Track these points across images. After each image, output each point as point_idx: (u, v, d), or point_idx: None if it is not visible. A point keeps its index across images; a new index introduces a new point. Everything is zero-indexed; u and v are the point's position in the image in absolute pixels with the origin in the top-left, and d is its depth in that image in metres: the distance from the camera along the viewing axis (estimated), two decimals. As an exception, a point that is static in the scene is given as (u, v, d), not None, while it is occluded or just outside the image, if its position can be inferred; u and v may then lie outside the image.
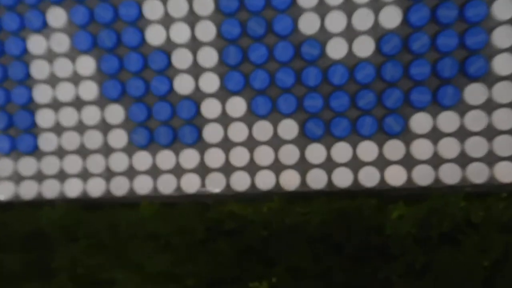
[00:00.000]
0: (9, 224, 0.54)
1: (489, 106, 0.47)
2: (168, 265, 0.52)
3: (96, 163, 0.53)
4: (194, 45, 0.51)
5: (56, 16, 0.53)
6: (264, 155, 0.51)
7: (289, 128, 0.50)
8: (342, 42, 0.48)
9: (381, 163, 0.49)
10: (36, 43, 0.53)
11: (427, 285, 0.48)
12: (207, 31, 0.50)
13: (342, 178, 0.49)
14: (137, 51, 0.52)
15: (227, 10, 0.49)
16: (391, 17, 0.47)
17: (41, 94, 0.53)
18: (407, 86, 0.48)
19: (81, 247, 0.53)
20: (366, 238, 0.48)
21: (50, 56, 0.53)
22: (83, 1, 0.52)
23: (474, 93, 0.47)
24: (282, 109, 0.50)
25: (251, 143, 0.51)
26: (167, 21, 0.51)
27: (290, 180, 0.50)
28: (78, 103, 0.53)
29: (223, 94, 0.51)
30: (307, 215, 0.49)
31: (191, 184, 0.52)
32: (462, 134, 0.48)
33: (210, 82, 0.51)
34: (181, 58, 0.51)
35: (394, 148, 0.49)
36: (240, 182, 0.51)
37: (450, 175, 0.48)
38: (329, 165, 0.50)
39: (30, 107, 0.54)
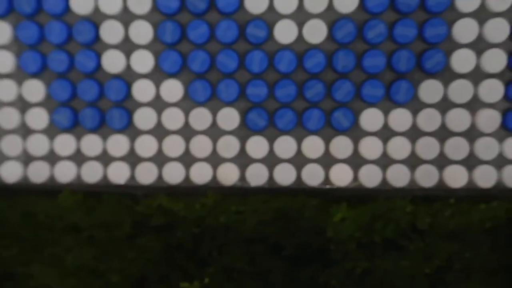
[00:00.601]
0: None
1: (444, 105, 0.43)
2: (91, 259, 0.46)
3: (12, 145, 0.46)
4: (126, 17, 0.44)
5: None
6: (201, 146, 0.45)
7: (229, 117, 0.44)
8: (291, 25, 0.42)
9: (327, 160, 0.44)
10: None
11: (368, 290, 0.44)
12: (141, 2, 0.43)
13: (284, 175, 0.44)
14: (61, 19, 0.44)
15: (164, -19, 0.43)
16: (347, 1, 0.42)
17: None
18: (359, 79, 0.43)
19: (-7, 237, 0.46)
20: (307, 240, 0.43)
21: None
22: (-2, -42, 0.44)
23: (430, 90, 0.43)
24: (222, 96, 0.44)
25: (187, 132, 0.45)
26: (96, -12, 0.44)
27: (228, 175, 0.45)
28: (-9, 76, 0.45)
29: (157, 76, 0.44)
30: (243, 213, 0.44)
31: (119, 173, 0.45)
32: (414, 133, 0.43)
33: (143, 61, 0.44)
34: (111, 32, 0.44)
35: (341, 145, 0.44)
36: (173, 174, 0.45)
37: (399, 177, 0.44)
38: (271, 160, 0.44)
39: None
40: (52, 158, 0.46)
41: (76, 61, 0.44)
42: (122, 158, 0.45)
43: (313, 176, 0.44)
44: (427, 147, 0.43)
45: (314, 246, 0.44)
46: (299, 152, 0.44)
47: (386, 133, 0.43)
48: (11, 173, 0.46)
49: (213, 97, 0.44)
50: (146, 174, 0.45)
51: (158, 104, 0.45)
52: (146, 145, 0.45)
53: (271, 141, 0.44)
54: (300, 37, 0.42)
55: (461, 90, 0.42)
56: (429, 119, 0.43)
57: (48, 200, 0.46)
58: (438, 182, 0.43)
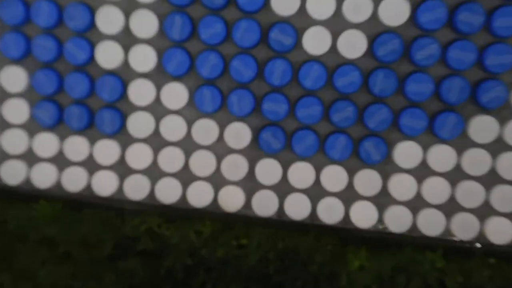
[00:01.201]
0: None
1: (497, 147, 0.35)
2: (67, 277, 0.39)
3: (-15, 138, 0.39)
4: (128, 4, 0.36)
5: None
6: (203, 163, 0.37)
7: (239, 133, 0.36)
8: (324, 34, 0.34)
9: (349, 196, 0.37)
10: None
11: None
12: (148, -12, 0.35)
13: (297, 208, 0.37)
14: (51, -1, 0.36)
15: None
16: (395, 12, 0.34)
17: None
18: (398, 105, 0.35)
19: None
20: (315, 286, 0.36)
21: None
22: None
23: (482, 127, 0.35)
24: (233, 108, 0.36)
25: (188, 145, 0.37)
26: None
27: (231, 200, 0.37)
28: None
29: (159, 77, 0.37)
30: (245, 247, 0.37)
31: (105, 184, 0.38)
32: (456, 175, 0.36)
33: (144, 58, 0.36)
34: (109, 20, 0.36)
35: (367, 180, 0.36)
36: (168, 192, 0.38)
37: (431, 224, 0.36)
38: (283, 189, 0.37)
39: None
40: (30, 158, 0.38)
41: (66, 50, 0.36)
42: (110, 167, 0.38)
43: (330, 212, 0.37)
44: (470, 193, 0.36)
45: (323, 294, 0.37)
46: (317, 182, 0.37)
47: (422, 172, 0.36)
48: (-18, 171, 0.39)
49: (222, 108, 0.37)
50: (136, 189, 0.38)
51: (157, 110, 0.37)
52: (139, 155, 0.38)
53: (286, 166, 0.37)
54: (333, 48, 0.35)
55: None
56: (476, 161, 0.35)
57: (22, 206, 0.39)
58: (478, 235, 0.36)
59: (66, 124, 0.38)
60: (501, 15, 0.33)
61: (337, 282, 0.36)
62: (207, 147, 0.37)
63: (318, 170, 0.37)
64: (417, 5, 0.33)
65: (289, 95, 0.36)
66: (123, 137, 0.38)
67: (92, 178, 0.38)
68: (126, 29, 0.36)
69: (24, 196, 0.39)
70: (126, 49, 0.36)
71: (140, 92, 0.37)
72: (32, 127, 0.38)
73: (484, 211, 0.36)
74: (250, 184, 0.37)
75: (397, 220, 0.36)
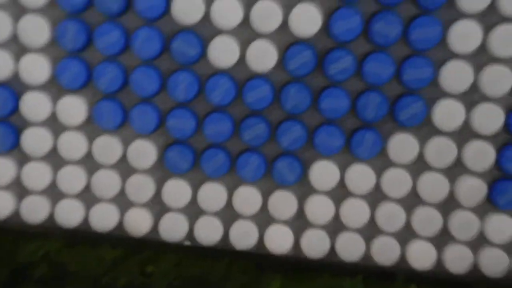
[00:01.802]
0: None
1: (418, 167, 0.32)
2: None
3: None
4: (16, 8, 0.32)
5: None
6: (106, 183, 0.33)
7: (143, 152, 0.33)
8: (231, 44, 0.31)
9: (262, 219, 0.33)
10: None
11: None
12: (38, -8, 0.31)
13: (208, 232, 0.33)
14: None
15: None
16: (307, 21, 0.30)
17: None
18: (312, 122, 0.32)
19: None
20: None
21: None
22: None
23: (402, 146, 0.31)
24: (136, 124, 0.32)
25: (89, 164, 0.33)
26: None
27: (137, 224, 0.34)
28: None
29: (54, 89, 0.33)
30: (151, 276, 0.33)
31: (1, 205, 0.34)
32: (375, 197, 0.33)
33: (36, 68, 0.32)
34: (-4, 26, 0.32)
35: (282, 202, 0.33)
36: (68, 214, 0.34)
37: (350, 248, 0.33)
38: (192, 211, 0.33)
39: None
40: None
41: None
42: (4, 188, 0.34)
43: (244, 236, 0.33)
44: (390, 216, 0.33)
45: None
46: (229, 204, 0.33)
47: (340, 193, 0.33)
48: None
49: (124, 124, 0.33)
50: (34, 211, 0.34)
51: (54, 125, 0.33)
52: (36, 175, 0.34)
53: (195, 187, 0.33)
54: (241, 60, 0.31)
55: (441, 151, 0.32)
56: (396, 182, 0.32)
57: None
58: (399, 260, 0.33)
59: (-47, 140, 0.34)
60: (419, 25, 0.30)
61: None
62: (110, 167, 0.34)
63: (230, 191, 0.33)
64: (330, 14, 0.30)
65: (196, 111, 0.32)
66: (18, 155, 0.34)
67: (-15, 199, 0.34)
68: (15, 36, 0.32)
69: None
70: (17, 57, 0.32)
71: (34, 105, 0.33)
72: None
73: (406, 235, 0.33)
74: (158, 207, 0.34)
75: (315, 245, 0.33)
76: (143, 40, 0.31)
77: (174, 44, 0.31)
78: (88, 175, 0.34)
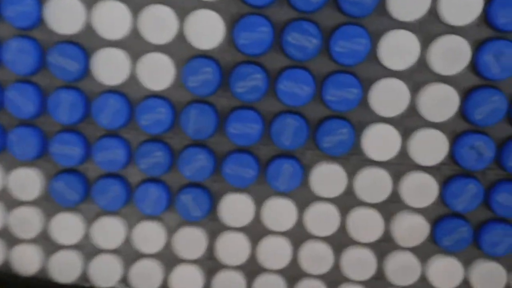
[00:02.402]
0: None
1: (346, 200, 0.27)
2: None
3: None
4: None
5: None
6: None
7: (30, 182, 0.28)
8: (120, 57, 0.25)
9: (168, 257, 0.28)
10: None
11: None
12: None
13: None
14: None
15: None
16: (206, 30, 0.24)
17: None
18: (225, 148, 0.27)
19: None
20: None
21: None
22: None
23: (326, 176, 0.26)
24: (13, 151, 0.27)
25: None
26: None
27: (27, 262, 0.29)
28: None
29: None
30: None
31: None
32: (299, 233, 0.28)
33: None
34: None
35: (189, 239, 0.28)
36: None
37: (270, 292, 0.28)
38: (88, 250, 0.28)
39: None
40: None
41: None
42: None
43: (145, 277, 0.28)
44: (316, 257, 0.27)
45: None
46: (128, 241, 0.28)
47: (256, 230, 0.27)
48: None
49: (4, 150, 0.28)
50: None
51: None
52: None
53: (89, 221, 0.28)
54: (133, 77, 0.25)
55: (374, 183, 0.26)
56: (322, 218, 0.26)
57: None
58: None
59: None
60: (341, 37, 0.24)
61: None
62: (-10, 197, 0.29)
63: (129, 226, 0.28)
64: (235, 22, 0.25)
65: (85, 135, 0.27)
66: None
67: None
68: None
69: None
70: None
71: None
72: None
73: (335, 278, 0.28)
74: (47, 243, 0.29)
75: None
76: (16, 52, 0.26)
77: (51, 57, 0.25)
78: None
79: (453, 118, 0.25)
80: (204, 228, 0.28)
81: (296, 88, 0.25)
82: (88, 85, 0.26)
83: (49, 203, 0.28)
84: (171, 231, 0.28)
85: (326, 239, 0.27)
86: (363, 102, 0.25)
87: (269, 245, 0.28)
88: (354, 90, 0.25)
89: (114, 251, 0.28)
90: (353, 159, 0.26)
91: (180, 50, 0.25)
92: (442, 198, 0.26)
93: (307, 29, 0.24)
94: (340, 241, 0.27)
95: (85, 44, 0.26)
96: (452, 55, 0.24)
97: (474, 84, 0.24)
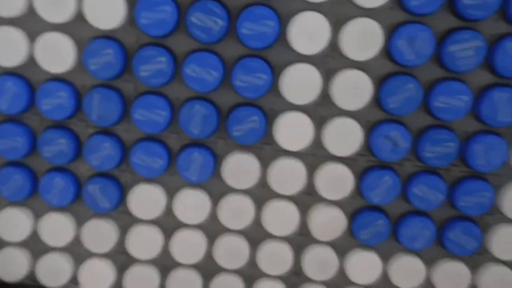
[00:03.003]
0: None
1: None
2: None
3: None
4: None
5: None
6: None
7: None
8: (15, 35, 0.23)
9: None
10: None
11: None
12: None
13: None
14: None
15: None
16: (105, 10, 0.22)
17: None
18: (133, 137, 0.25)
19: None
20: None
21: None
22: None
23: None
24: None
25: None
26: None
27: None
28: None
29: None
30: None
31: None
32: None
33: None
34: None
35: (98, 231, 0.26)
36: None
37: (185, 286, 0.26)
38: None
39: None
40: None
41: None
42: None
43: (52, 272, 0.26)
44: (233, 251, 0.25)
45: None
46: (36, 234, 0.26)
47: (168, 223, 0.26)
48: None
49: None
50: None
51: None
52: None
53: (-6, 213, 0.26)
54: (31, 59, 0.23)
55: (286, 174, 0.24)
56: (236, 210, 0.25)
57: None
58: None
59: None
60: (248, 19, 0.22)
61: None
62: None
63: (35, 218, 0.26)
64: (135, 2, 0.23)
65: (-16, 120, 0.25)
66: None
67: None
68: None
69: None
70: None
71: None
72: None
73: (251, 273, 0.26)
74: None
75: (140, 282, 0.26)
76: None
77: None
78: None
79: (367, 107, 0.23)
80: (114, 221, 0.26)
81: (203, 73, 0.23)
82: (-15, 68, 0.24)
83: None
84: (80, 224, 0.26)
85: (241, 233, 0.26)
86: (275, 88, 0.23)
87: (182, 238, 0.26)
88: (263, 75, 0.23)
89: (21, 244, 0.26)
90: (266, 149, 0.24)
91: (80, 30, 0.23)
92: (358, 190, 0.25)
93: (212, 9, 0.22)
94: (255, 234, 0.26)
95: (-22, 22, 0.24)
96: (364, 39, 0.22)
97: (388, 71, 0.23)
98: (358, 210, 0.25)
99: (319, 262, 0.26)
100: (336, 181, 0.24)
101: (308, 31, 0.22)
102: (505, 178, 0.24)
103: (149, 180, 0.25)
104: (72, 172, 0.25)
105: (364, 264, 0.26)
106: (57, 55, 0.23)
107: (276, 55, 0.23)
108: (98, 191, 0.25)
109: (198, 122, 0.24)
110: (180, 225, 0.26)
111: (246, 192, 0.25)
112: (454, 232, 0.25)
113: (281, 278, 0.26)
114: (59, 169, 0.25)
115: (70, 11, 0.23)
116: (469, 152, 0.23)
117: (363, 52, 0.22)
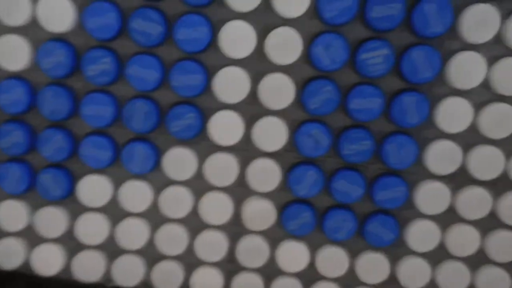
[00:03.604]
0: None
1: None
2: None
3: None
4: None
5: None
6: None
7: None
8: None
9: None
10: None
11: None
12: None
13: None
14: None
15: None
16: (55, 13, 0.25)
17: None
18: (82, 131, 0.27)
19: None
20: None
21: None
22: None
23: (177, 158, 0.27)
24: None
25: None
26: None
27: None
28: None
29: None
30: None
31: None
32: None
33: None
34: None
35: (50, 218, 0.28)
36: None
37: (129, 272, 0.28)
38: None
39: None
40: None
41: None
42: None
43: (7, 256, 0.28)
44: (172, 239, 0.27)
45: None
46: (-7, 219, 0.28)
47: (114, 211, 0.27)
48: None
49: None
50: None
51: None
52: None
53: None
54: (-10, 57, 0.26)
55: (221, 167, 0.26)
56: (176, 201, 0.27)
57: None
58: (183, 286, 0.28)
59: None
60: (183, 25, 0.24)
61: None
62: None
63: (-7, 204, 0.28)
64: (84, 7, 0.25)
65: None
66: None
67: None
68: None
69: None
70: None
71: None
72: None
73: (190, 261, 0.28)
74: None
75: (88, 268, 0.28)
76: None
77: None
78: None
79: (291, 107, 0.25)
80: (65, 209, 0.28)
81: (144, 73, 0.25)
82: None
83: None
84: (33, 212, 0.28)
85: (180, 221, 0.28)
86: (209, 88, 0.25)
87: (127, 226, 0.28)
88: (198, 76, 0.25)
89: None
90: (203, 144, 0.26)
91: (35, 32, 0.25)
92: (286, 184, 0.27)
93: (151, 16, 0.24)
94: (193, 223, 0.27)
95: None
96: (285, 46, 0.24)
97: (309, 74, 0.25)
98: (286, 202, 0.27)
99: (252, 251, 0.27)
100: (265, 174, 0.26)
101: (237, 37, 0.24)
102: (418, 175, 0.26)
103: (97, 171, 0.27)
104: (27, 163, 0.27)
105: (293, 254, 0.27)
106: (13, 54, 0.25)
107: (209, 58, 0.25)
108: (50, 180, 0.27)
109: (139, 118, 0.26)
110: (125, 213, 0.28)
111: (184, 183, 0.27)
112: (373, 225, 0.26)
113: (217, 264, 0.28)
114: (15, 160, 0.27)
115: (25, 16, 0.25)
116: (384, 150, 0.25)
117: (285, 57, 0.24)
